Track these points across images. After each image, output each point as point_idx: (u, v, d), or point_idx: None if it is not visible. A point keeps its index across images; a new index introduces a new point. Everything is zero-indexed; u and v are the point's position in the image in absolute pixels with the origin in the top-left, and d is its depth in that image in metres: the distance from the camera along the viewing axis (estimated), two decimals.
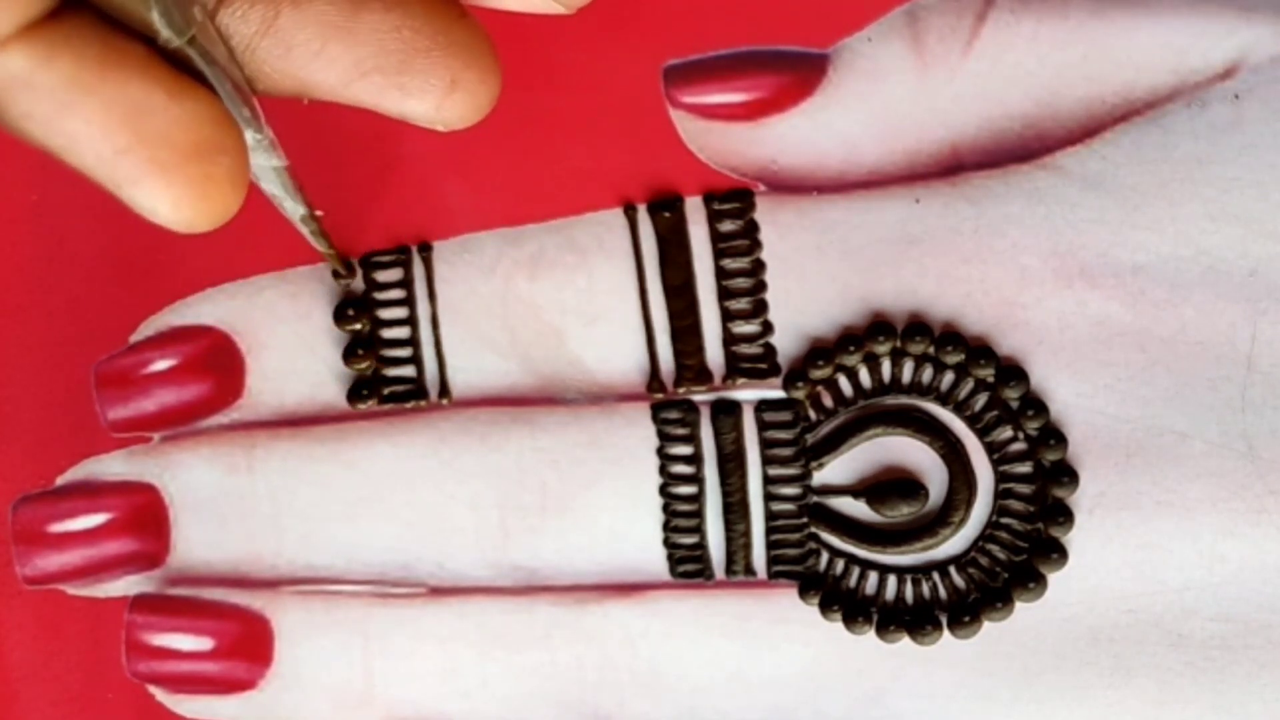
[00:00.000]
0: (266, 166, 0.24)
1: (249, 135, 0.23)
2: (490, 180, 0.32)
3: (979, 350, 0.31)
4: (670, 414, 0.31)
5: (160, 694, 0.32)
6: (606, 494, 0.31)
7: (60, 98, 0.20)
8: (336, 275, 0.32)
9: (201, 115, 0.21)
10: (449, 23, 0.22)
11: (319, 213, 0.27)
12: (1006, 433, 0.31)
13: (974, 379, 0.31)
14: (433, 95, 0.22)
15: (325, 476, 0.32)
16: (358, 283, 0.32)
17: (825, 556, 0.31)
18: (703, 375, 0.32)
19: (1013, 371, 0.31)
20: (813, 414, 0.32)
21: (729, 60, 0.32)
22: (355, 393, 0.32)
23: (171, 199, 0.21)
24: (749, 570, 0.31)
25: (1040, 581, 0.31)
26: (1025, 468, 0.31)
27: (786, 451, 0.31)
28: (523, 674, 0.31)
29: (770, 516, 0.31)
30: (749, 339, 0.32)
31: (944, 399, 0.31)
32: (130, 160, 0.20)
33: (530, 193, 0.32)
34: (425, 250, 0.32)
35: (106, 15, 0.20)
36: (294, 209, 0.26)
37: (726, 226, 0.32)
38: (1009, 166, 0.31)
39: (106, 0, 0.20)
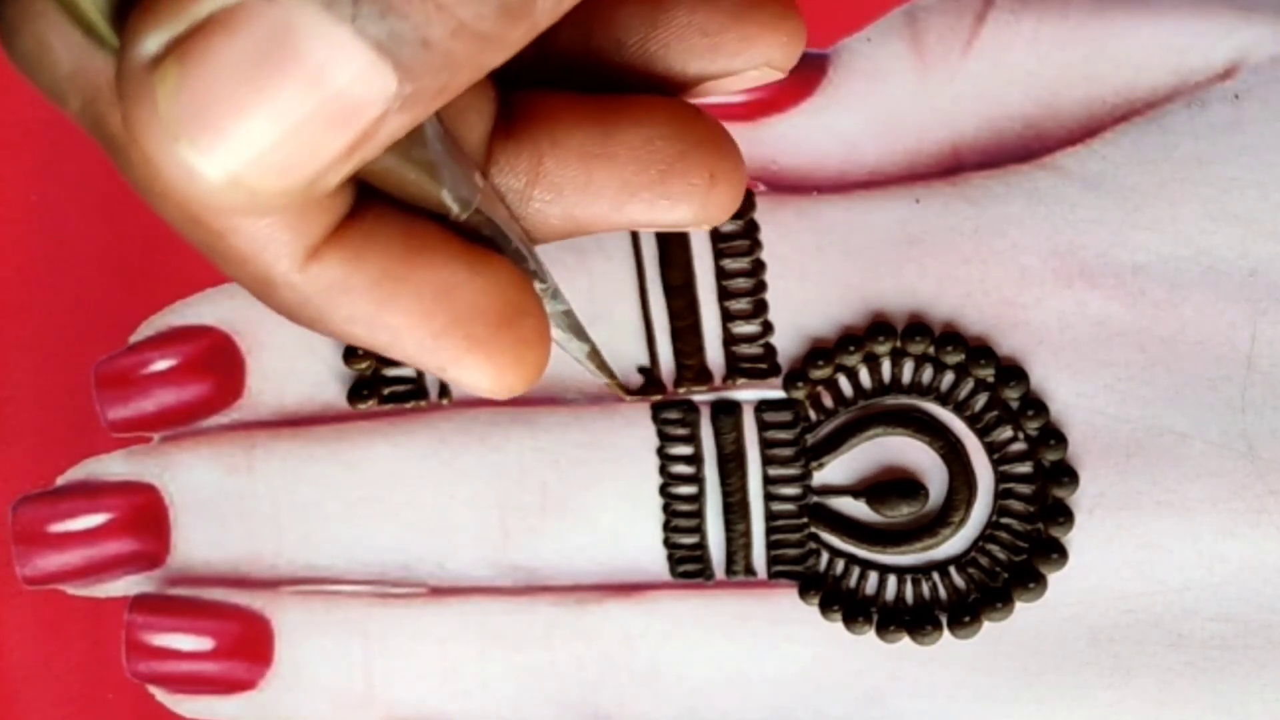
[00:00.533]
0: (551, 313, 0.24)
1: (535, 287, 0.23)
2: None
3: (979, 350, 0.31)
4: (670, 414, 0.31)
5: (160, 694, 0.32)
6: (606, 494, 0.31)
7: (377, 294, 0.20)
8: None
9: (502, 282, 0.21)
10: (691, 123, 0.22)
11: (600, 348, 0.27)
12: (1006, 433, 0.31)
13: (974, 379, 0.31)
14: (697, 195, 0.22)
15: (325, 476, 0.32)
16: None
17: (825, 556, 0.31)
18: (703, 375, 0.32)
19: (1013, 371, 0.31)
20: (813, 414, 0.32)
21: None
22: (355, 393, 0.32)
23: (493, 370, 0.21)
24: (749, 570, 0.31)
25: (1040, 581, 0.31)
26: (1025, 468, 0.31)
27: (786, 451, 0.31)
28: (523, 674, 0.31)
29: (770, 516, 0.31)
30: (749, 339, 0.32)
31: (944, 399, 0.31)
32: (448, 341, 0.20)
33: None
34: None
35: (397, 201, 0.20)
36: (578, 349, 0.26)
37: (726, 226, 0.32)
38: (1009, 166, 0.31)
39: (396, 185, 0.20)
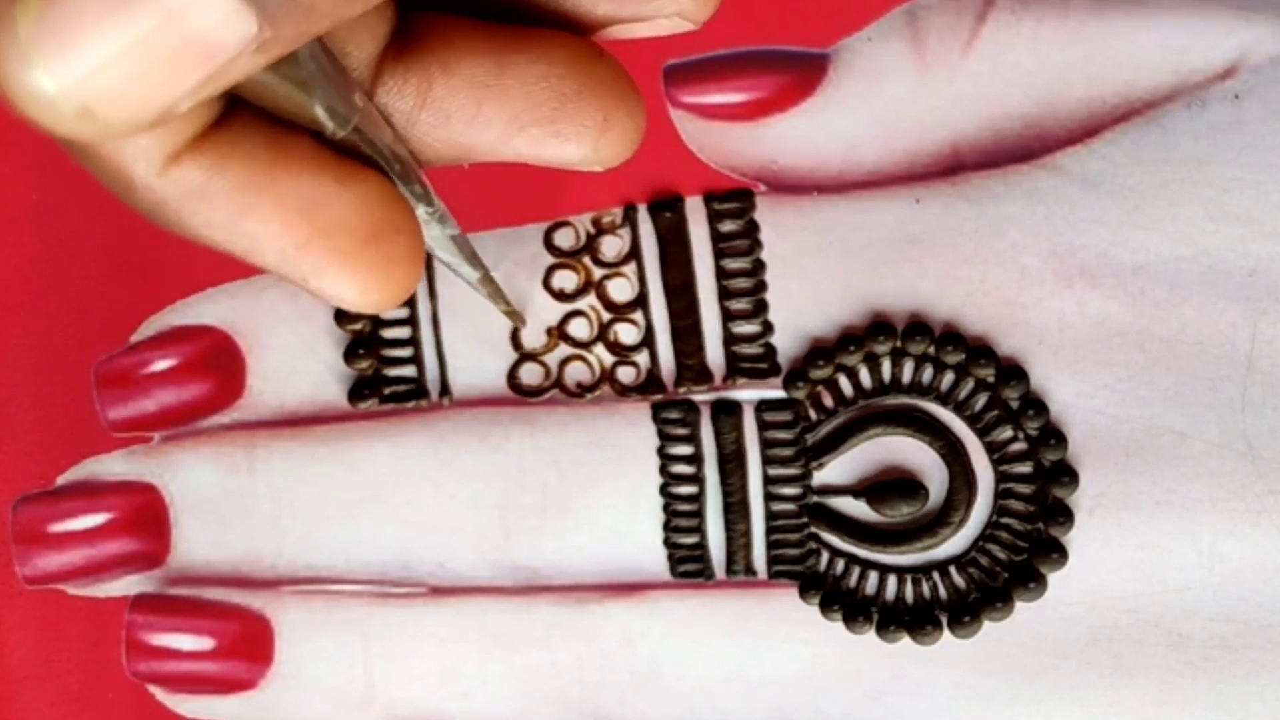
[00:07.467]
0: (440, 237, 0.24)
1: (420, 210, 0.23)
2: (490, 180, 0.32)
3: (979, 350, 0.31)
4: (671, 414, 0.31)
5: (160, 694, 0.32)
6: (607, 494, 0.31)
7: (237, 202, 0.20)
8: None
9: (373, 198, 0.21)
10: (591, 63, 0.22)
11: (494, 274, 0.27)
12: (1006, 433, 0.31)
13: (974, 379, 0.31)
14: (588, 136, 0.22)
15: (326, 476, 0.32)
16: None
17: (825, 556, 0.31)
18: (703, 375, 0.32)
19: (1013, 371, 0.31)
20: (813, 414, 0.32)
21: (729, 60, 0.32)
22: (356, 392, 0.32)
23: (358, 285, 0.21)
24: (749, 570, 0.31)
25: (1040, 581, 0.31)
26: (1025, 468, 0.31)
27: (787, 451, 0.31)
28: (523, 674, 0.31)
29: (770, 516, 0.31)
30: (749, 339, 0.32)
31: (944, 399, 0.31)
32: (312, 253, 0.20)
33: (530, 193, 0.32)
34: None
35: (269, 113, 0.20)
36: (470, 273, 0.26)
37: (727, 226, 0.32)
38: (1009, 166, 0.31)
39: (269, 99, 0.20)
